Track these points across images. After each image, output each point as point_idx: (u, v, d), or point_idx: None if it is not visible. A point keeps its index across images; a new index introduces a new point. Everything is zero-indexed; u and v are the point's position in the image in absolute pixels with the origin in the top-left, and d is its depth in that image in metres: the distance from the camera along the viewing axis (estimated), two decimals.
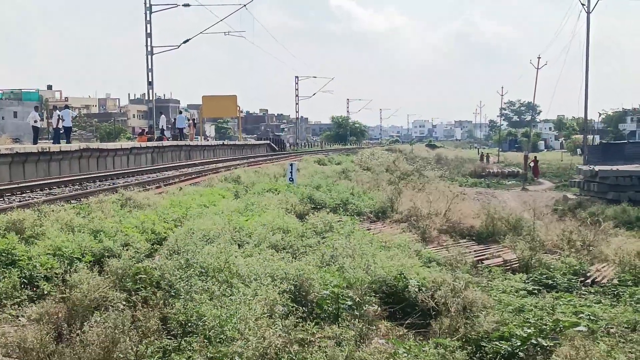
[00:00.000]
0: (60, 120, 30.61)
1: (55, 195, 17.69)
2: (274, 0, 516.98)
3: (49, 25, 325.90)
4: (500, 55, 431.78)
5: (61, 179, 21.82)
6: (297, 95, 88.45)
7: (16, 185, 19.08)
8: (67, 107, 34.09)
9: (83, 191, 18.66)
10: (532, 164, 54.93)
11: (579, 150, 67.92)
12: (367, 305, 8.65)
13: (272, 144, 69.06)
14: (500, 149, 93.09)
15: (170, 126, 46.24)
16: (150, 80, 44.32)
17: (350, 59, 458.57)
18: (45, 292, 7.92)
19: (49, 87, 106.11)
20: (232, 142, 58.89)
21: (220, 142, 57.37)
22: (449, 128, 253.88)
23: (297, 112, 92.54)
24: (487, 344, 7.91)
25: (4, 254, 8.63)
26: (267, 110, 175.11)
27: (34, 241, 9.65)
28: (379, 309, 9.01)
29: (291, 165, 22.52)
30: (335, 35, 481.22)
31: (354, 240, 11.88)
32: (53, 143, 29.76)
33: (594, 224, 17.91)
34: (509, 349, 7.68)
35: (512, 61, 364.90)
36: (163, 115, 47.19)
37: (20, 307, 7.41)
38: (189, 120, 50.88)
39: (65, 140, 31.03)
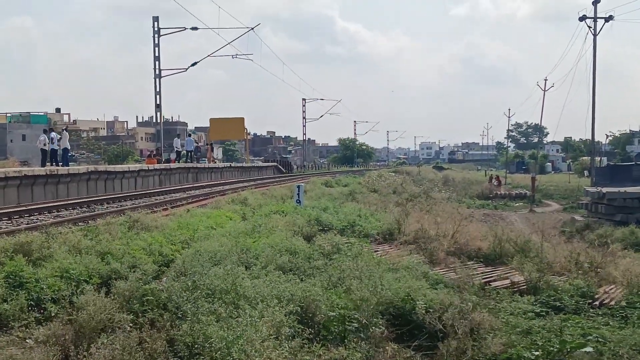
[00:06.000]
0: (49, 144, 30.13)
1: (63, 217, 17.76)
2: (280, 24, 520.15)
3: (56, 49, 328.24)
4: (505, 78, 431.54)
5: (69, 201, 21.91)
6: (304, 118, 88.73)
7: (24, 208, 19.17)
8: (52, 130, 33.50)
9: (91, 213, 18.74)
10: (496, 182, 65.57)
11: (586, 172, 67.73)
12: (373, 327, 8.63)
13: (280, 166, 69.16)
14: (508, 171, 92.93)
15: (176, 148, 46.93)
16: (158, 102, 44.52)
17: (357, 81, 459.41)
18: (53, 314, 7.94)
19: (57, 110, 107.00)
20: (239, 164, 59.05)
21: (228, 164, 57.52)
22: (456, 150, 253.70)
23: (304, 134, 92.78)
24: None
25: (11, 276, 8.66)
26: (274, 132, 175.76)
27: (41, 263, 9.68)
28: (386, 330, 8.98)
29: (298, 187, 22.54)
30: (341, 58, 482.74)
31: (361, 262, 11.85)
32: (62, 165, 29.75)
33: (602, 246, 17.82)
34: None
35: (518, 83, 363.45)
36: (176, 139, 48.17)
37: (27, 329, 7.43)
38: (206, 145, 51.61)
39: (50, 163, 30.25)
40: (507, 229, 22.24)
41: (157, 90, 44.18)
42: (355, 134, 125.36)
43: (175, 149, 47.08)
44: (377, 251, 15.84)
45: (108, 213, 17.76)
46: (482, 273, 14.53)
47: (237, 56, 47.05)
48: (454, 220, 19.94)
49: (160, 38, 43.80)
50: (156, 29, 43.58)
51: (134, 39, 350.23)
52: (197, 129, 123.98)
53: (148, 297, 8.46)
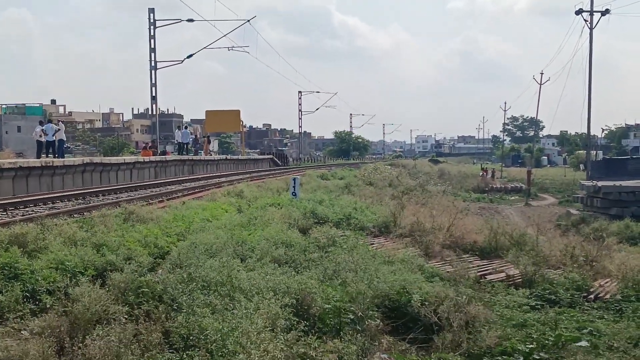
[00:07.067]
0: (44, 135, 30.09)
1: (59, 209, 17.70)
2: (277, 17, 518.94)
3: (51, 41, 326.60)
4: (502, 72, 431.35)
5: (64, 193, 21.84)
6: (300, 110, 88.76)
7: (19, 199, 19.10)
8: (50, 121, 33.58)
9: (86, 205, 18.70)
10: (482, 173, 69.30)
11: (582, 166, 67.84)
12: (369, 320, 8.64)
13: (275, 159, 69.09)
14: (504, 165, 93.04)
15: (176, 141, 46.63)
16: (154, 95, 44.48)
17: (354, 75, 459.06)
18: (48, 306, 7.92)
19: (53, 102, 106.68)
20: (235, 157, 58.99)
21: (223, 156, 57.46)
22: (452, 144, 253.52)
23: (300, 127, 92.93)
24: (490, 359, 7.89)
25: (6, 268, 8.63)
26: (270, 125, 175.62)
27: (36, 255, 9.64)
28: (381, 323, 8.99)
29: (294, 179, 22.51)
30: (339, 51, 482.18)
31: (356, 255, 11.86)
32: (57, 157, 29.59)
33: (597, 240, 17.87)
34: None
35: (515, 77, 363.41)
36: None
37: (22, 321, 7.41)
38: (204, 137, 51.56)
39: (45, 155, 30.05)
40: (503, 222, 22.33)
41: (153, 82, 44.18)
42: (351, 127, 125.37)
43: (177, 142, 46.70)
44: (373, 244, 15.85)
45: (103, 205, 17.72)
46: (477, 266, 14.56)
47: (234, 48, 46.99)
48: (449, 213, 19.97)
49: (157, 30, 43.79)
50: (152, 20, 43.50)
51: (133, 34, 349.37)
52: (193, 121, 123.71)
53: (143, 289, 8.44)
